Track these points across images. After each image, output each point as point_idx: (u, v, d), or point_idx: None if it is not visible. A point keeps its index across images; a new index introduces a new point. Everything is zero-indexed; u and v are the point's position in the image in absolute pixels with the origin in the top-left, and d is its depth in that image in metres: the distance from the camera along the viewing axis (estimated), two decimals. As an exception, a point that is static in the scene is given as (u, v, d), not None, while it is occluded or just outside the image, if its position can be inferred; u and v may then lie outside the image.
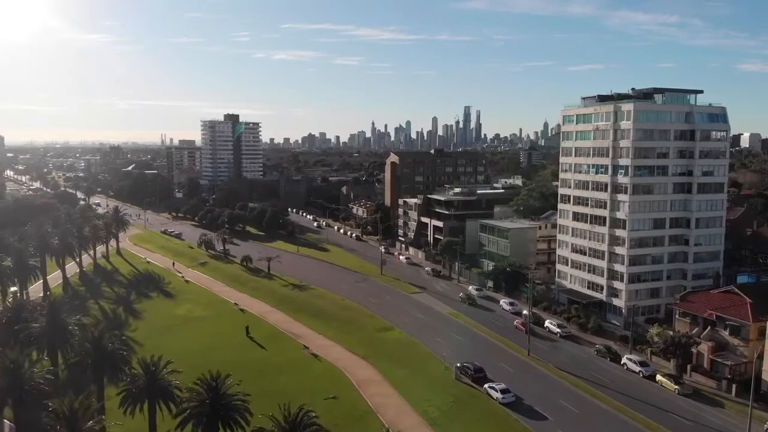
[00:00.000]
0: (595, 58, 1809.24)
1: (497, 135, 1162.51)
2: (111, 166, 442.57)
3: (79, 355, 64.66)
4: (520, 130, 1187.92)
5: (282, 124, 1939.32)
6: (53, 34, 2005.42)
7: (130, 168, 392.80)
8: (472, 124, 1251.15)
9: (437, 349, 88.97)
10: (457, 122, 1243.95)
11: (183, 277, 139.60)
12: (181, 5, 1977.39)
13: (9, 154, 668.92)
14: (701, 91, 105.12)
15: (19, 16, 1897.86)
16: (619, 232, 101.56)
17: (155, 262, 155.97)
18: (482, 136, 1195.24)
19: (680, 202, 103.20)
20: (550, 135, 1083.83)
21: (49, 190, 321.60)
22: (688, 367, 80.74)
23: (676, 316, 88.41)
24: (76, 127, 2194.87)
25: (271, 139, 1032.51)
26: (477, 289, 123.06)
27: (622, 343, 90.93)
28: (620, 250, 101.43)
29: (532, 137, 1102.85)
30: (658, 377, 78.90)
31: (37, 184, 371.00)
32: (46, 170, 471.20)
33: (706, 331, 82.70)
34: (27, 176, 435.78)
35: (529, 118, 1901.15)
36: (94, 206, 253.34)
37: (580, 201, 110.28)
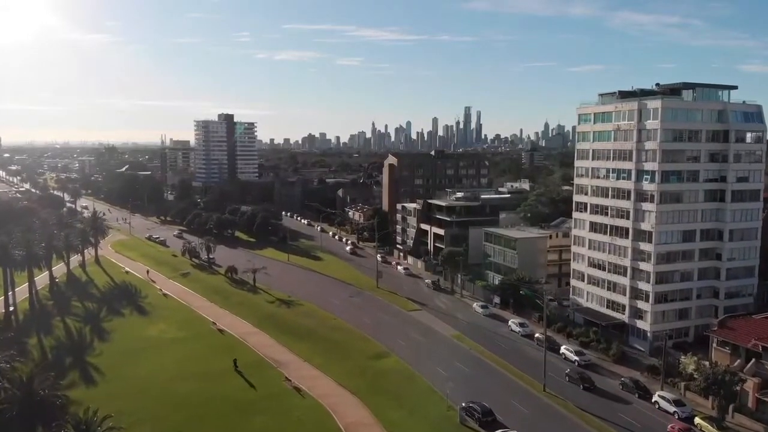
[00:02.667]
0: (596, 59, 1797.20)
1: (498, 135, 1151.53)
2: (105, 167, 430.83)
3: (4, 402, 53.27)
4: (521, 130, 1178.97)
5: (282, 124, 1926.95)
6: (54, 33, 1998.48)
7: (123, 169, 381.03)
8: (473, 125, 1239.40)
9: (438, 382, 77.32)
10: (458, 123, 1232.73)
11: (161, 290, 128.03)
12: (182, 5, 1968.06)
13: (5, 155, 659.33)
14: (735, 87, 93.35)
15: (20, 16, 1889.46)
16: (644, 246, 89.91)
17: (134, 272, 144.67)
18: (483, 137, 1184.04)
19: (712, 212, 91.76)
20: (550, 135, 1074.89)
21: (37, 192, 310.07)
22: (731, 407, 69.42)
23: (714, 345, 76.87)
24: (77, 128, 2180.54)
25: (271, 140, 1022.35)
26: (482, 306, 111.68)
27: (650, 375, 79.42)
28: (645, 266, 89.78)
29: (532, 138, 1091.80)
30: (697, 420, 67.42)
31: (26, 186, 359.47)
32: (40, 171, 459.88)
33: (750, 364, 71.37)
34: (18, 177, 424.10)
35: (529, 119, 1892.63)
36: (80, 210, 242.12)
37: (598, 210, 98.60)
